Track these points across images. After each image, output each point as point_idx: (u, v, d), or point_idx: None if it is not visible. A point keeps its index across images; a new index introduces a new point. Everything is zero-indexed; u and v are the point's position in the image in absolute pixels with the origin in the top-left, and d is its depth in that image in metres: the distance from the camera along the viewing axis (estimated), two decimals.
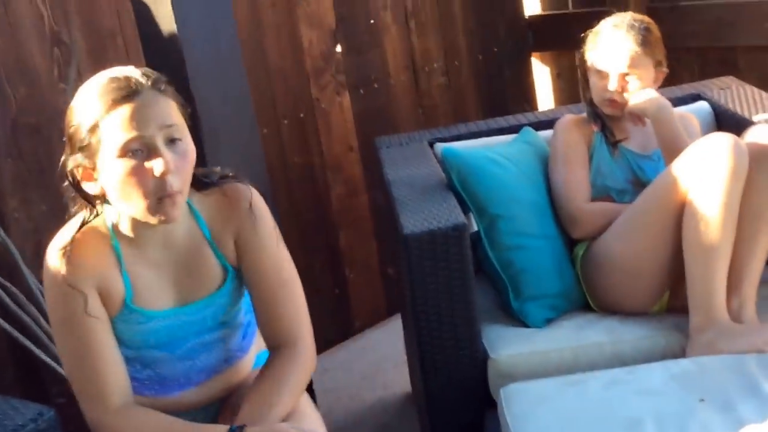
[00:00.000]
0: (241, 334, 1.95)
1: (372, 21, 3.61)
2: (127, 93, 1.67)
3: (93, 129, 1.68)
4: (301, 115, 3.43)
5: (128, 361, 1.82)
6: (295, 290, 1.88)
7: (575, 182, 2.58)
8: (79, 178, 1.74)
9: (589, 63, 2.62)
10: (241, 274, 1.87)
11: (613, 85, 2.56)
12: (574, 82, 4.33)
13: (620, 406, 2.02)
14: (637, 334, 2.35)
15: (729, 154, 2.26)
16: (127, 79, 1.69)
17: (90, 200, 1.76)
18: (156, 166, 1.66)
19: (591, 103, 2.67)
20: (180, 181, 1.70)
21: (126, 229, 1.77)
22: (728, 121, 2.80)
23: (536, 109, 4.31)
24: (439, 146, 2.79)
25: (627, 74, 2.55)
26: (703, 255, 2.27)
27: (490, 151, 2.62)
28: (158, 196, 1.68)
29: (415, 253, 2.22)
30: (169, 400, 1.90)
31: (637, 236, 2.43)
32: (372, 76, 3.64)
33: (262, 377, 1.83)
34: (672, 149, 2.48)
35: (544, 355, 2.33)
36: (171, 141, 1.69)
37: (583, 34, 2.65)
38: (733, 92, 2.99)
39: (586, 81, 2.67)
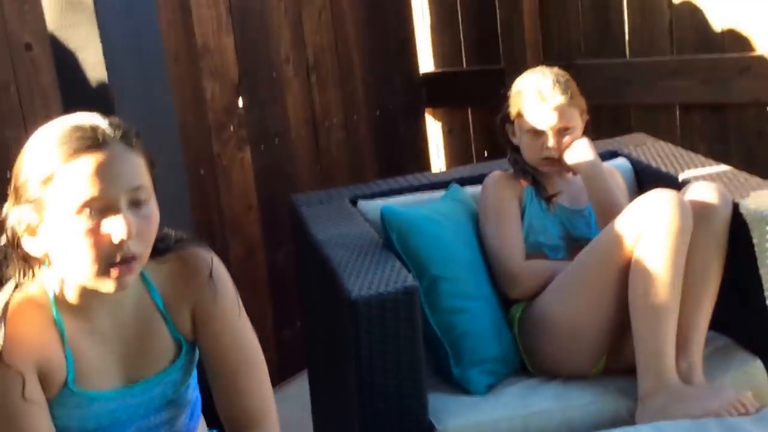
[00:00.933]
0: (189, 414, 1.75)
1: (274, 74, 3.47)
2: (93, 144, 1.47)
3: (47, 180, 1.47)
4: (202, 171, 3.24)
5: None
6: (260, 367, 1.69)
7: (510, 240, 2.50)
8: (20, 234, 1.52)
9: (517, 123, 2.56)
10: (195, 348, 1.68)
11: (551, 142, 2.50)
12: (465, 139, 4.31)
13: None
14: (584, 399, 2.26)
15: (674, 212, 2.22)
16: (94, 128, 1.49)
17: (28, 260, 1.55)
18: (115, 232, 1.46)
19: (516, 161, 2.60)
20: (140, 247, 1.50)
21: (71, 297, 1.56)
22: (649, 178, 2.78)
23: (430, 165, 4.27)
24: (368, 204, 2.66)
25: (562, 129, 2.50)
26: (652, 316, 2.21)
27: (426, 209, 2.50)
28: (111, 262, 1.49)
29: (363, 320, 2.07)
30: None
31: (578, 296, 2.35)
32: (273, 131, 3.49)
33: None
34: (606, 206, 2.44)
35: (493, 425, 2.20)
36: (135, 203, 1.50)
37: (503, 92, 2.60)
38: (650, 148, 2.98)
39: (508, 140, 2.62)
